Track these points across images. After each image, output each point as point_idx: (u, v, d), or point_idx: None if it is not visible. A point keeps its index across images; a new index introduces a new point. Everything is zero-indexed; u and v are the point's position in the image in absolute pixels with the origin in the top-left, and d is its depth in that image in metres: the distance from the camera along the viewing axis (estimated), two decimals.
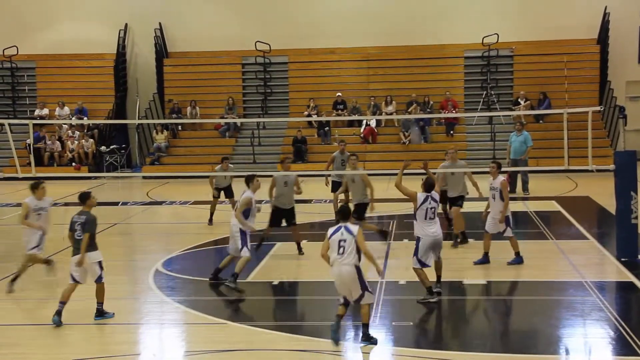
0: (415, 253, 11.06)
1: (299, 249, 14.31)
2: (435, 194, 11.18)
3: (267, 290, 12.37)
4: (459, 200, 14.98)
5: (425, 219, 11.04)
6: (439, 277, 11.40)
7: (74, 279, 10.57)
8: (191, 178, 25.48)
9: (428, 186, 11.17)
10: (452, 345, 9.76)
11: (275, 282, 12.59)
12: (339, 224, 9.45)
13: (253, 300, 12.00)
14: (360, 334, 9.49)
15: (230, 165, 18.03)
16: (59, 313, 10.39)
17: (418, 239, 11.09)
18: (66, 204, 22.25)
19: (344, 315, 9.54)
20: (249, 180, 12.38)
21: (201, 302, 11.68)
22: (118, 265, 13.92)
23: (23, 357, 9.33)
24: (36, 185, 12.28)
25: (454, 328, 10.39)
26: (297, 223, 14.51)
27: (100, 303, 10.62)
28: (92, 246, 10.47)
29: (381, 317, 10.50)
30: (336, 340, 9.39)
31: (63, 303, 10.45)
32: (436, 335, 10.22)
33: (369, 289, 9.45)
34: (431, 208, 11.06)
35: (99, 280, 10.56)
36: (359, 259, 9.35)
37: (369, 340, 9.41)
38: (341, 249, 9.27)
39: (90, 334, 10.28)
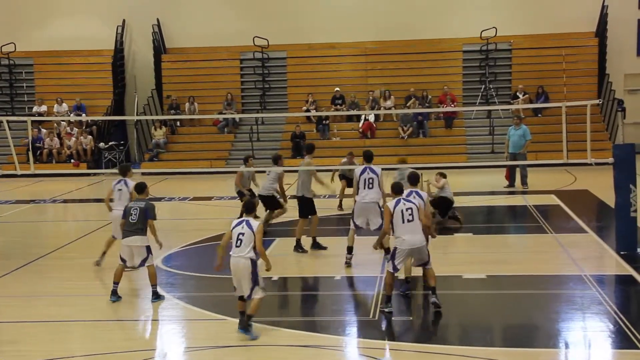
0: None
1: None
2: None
3: (267, 286, 12.34)
4: None
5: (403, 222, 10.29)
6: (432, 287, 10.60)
7: (122, 261, 11.42)
8: (190, 174, 25.48)
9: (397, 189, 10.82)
10: (452, 339, 9.77)
11: (275, 278, 12.59)
12: (242, 218, 9.83)
13: None
14: (244, 320, 9.64)
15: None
16: (114, 292, 11.29)
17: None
18: (65, 201, 22.31)
19: (245, 311, 9.67)
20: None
21: (201, 298, 11.70)
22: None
23: (25, 354, 9.34)
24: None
25: (454, 322, 10.39)
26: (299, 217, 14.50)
27: (153, 285, 11.36)
28: (143, 230, 11.29)
29: (381, 312, 10.51)
30: (252, 338, 9.50)
31: (116, 283, 11.35)
32: (436, 329, 10.22)
33: (261, 285, 9.64)
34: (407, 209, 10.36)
35: (142, 264, 11.36)
36: (256, 254, 9.60)
37: (247, 328, 9.60)
38: (239, 242, 9.56)
39: (91, 330, 10.29)
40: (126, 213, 11.43)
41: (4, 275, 13.20)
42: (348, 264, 12.88)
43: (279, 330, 9.94)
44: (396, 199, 10.49)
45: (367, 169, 12.77)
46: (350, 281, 12.45)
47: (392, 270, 10.40)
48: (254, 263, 9.56)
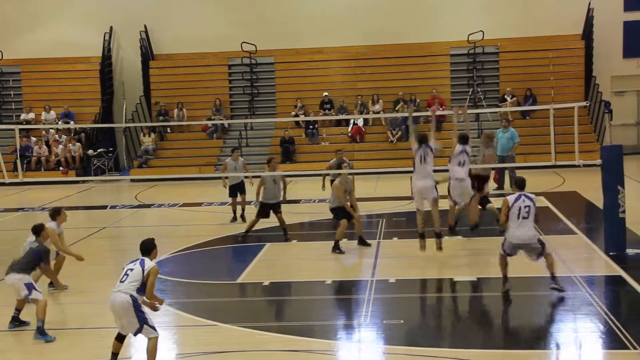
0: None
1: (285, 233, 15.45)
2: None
3: (258, 292, 12.37)
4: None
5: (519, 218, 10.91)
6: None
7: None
8: (179, 180, 25.44)
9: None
10: (443, 342, 9.79)
11: (266, 283, 12.59)
12: (140, 257, 8.90)
13: (244, 301, 12.00)
14: None
15: (240, 158, 17.87)
16: (14, 319, 10.63)
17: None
18: None
19: (118, 354, 8.92)
20: None
21: (192, 304, 11.67)
22: (107, 269, 13.90)
23: None
24: (58, 212, 12.50)
25: (445, 325, 10.41)
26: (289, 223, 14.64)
27: (39, 320, 10.18)
28: (24, 270, 10.53)
29: (372, 316, 10.52)
30: None
31: (17, 310, 10.67)
32: (427, 332, 10.23)
33: (150, 324, 8.66)
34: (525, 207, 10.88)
35: (27, 299, 10.43)
36: (142, 292, 8.68)
37: None
38: (124, 277, 8.71)
39: (81, 338, 10.26)
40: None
41: None
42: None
43: (270, 335, 9.92)
44: (517, 193, 10.85)
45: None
46: (342, 285, 12.45)
47: (503, 253, 11.15)
48: (134, 300, 8.56)
